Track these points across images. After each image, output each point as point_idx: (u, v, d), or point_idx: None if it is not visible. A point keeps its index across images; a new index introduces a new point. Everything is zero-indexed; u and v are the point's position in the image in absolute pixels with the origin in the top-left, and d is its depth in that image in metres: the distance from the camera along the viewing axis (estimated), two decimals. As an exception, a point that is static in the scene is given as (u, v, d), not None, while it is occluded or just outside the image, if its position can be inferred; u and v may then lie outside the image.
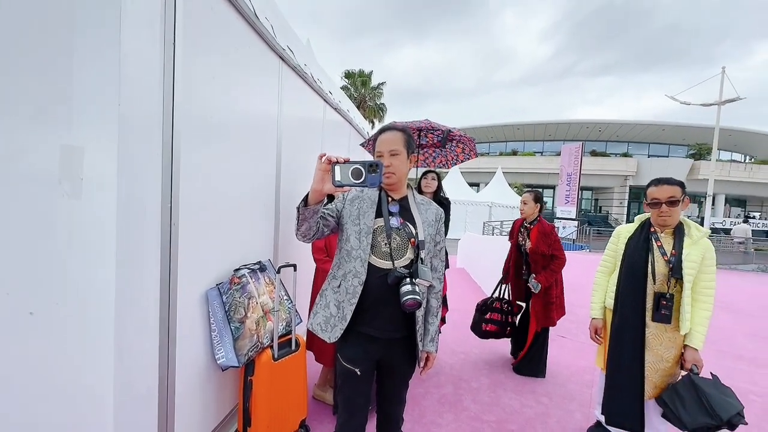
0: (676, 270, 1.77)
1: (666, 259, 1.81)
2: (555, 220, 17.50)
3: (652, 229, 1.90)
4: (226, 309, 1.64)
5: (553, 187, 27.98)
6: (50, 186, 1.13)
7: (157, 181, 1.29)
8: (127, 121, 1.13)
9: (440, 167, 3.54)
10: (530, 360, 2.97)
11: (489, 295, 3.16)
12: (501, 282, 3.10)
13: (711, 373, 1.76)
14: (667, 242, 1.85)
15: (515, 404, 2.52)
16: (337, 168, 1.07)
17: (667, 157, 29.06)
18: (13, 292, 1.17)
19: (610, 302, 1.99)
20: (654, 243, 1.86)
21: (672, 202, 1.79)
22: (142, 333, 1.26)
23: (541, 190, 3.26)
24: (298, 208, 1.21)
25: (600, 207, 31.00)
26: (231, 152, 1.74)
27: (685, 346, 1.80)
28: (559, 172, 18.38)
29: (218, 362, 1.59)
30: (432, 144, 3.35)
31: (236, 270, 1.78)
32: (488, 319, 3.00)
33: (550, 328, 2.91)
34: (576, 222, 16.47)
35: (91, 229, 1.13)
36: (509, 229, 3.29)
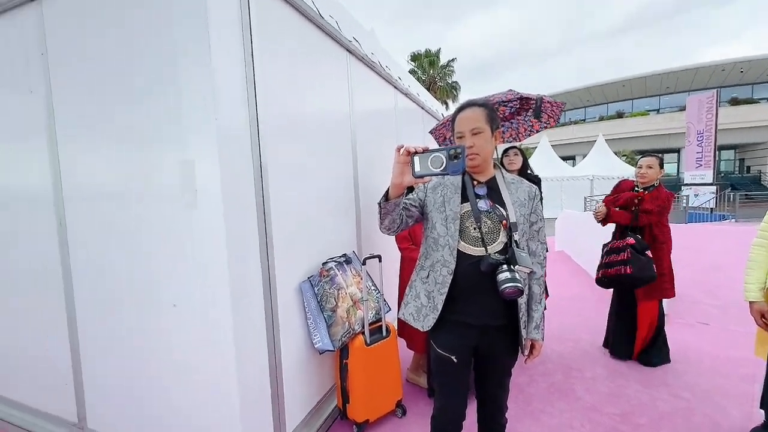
0: None
1: None
2: (683, 188, 14.51)
3: None
4: (318, 299, 1.76)
5: (677, 150, 23.18)
6: (177, 199, 1.35)
7: (251, 185, 1.44)
8: (224, 132, 1.28)
9: (510, 141, 3.19)
10: (654, 346, 2.55)
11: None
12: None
13: None
14: None
15: (643, 397, 2.19)
16: (416, 158, 1.03)
17: None
18: (161, 289, 1.45)
19: None
20: None
21: None
22: (252, 321, 1.44)
23: (660, 155, 2.69)
24: (379, 204, 1.21)
25: (747, 167, 24.61)
26: (309, 151, 1.85)
27: None
28: (685, 131, 15.15)
29: (315, 346, 1.73)
30: (502, 117, 3.03)
31: (324, 263, 1.89)
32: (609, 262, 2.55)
33: (681, 315, 2.42)
34: (714, 187, 13.37)
35: (207, 234, 1.32)
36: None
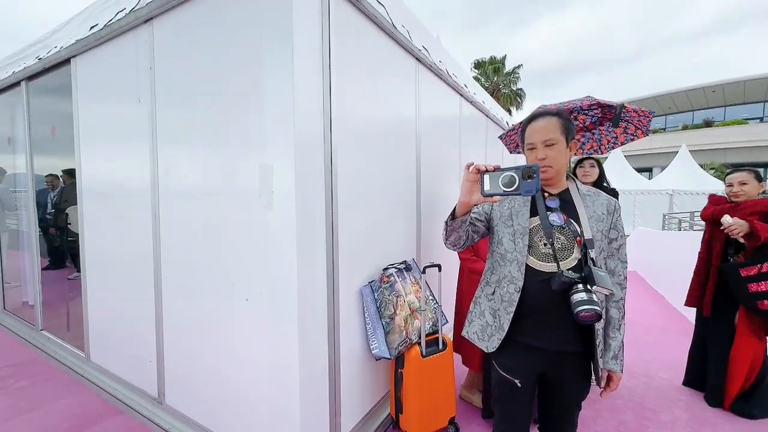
0: None
1: None
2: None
3: None
4: (378, 305, 1.77)
5: (780, 164, 19.87)
6: (254, 199, 1.45)
7: (321, 190, 1.49)
8: (301, 139, 1.35)
9: (590, 153, 2.92)
10: (754, 394, 2.18)
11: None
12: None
13: None
14: None
15: (737, 456, 1.88)
16: (486, 177, 0.98)
17: None
18: (237, 283, 1.56)
19: None
20: None
21: None
22: (315, 321, 1.48)
23: (756, 169, 2.25)
24: (446, 222, 1.18)
25: None
26: (376, 158, 1.88)
27: None
28: (792, 140, 12.94)
29: (372, 352, 1.73)
30: (582, 128, 2.81)
31: (385, 269, 1.90)
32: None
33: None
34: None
35: (280, 235, 1.39)
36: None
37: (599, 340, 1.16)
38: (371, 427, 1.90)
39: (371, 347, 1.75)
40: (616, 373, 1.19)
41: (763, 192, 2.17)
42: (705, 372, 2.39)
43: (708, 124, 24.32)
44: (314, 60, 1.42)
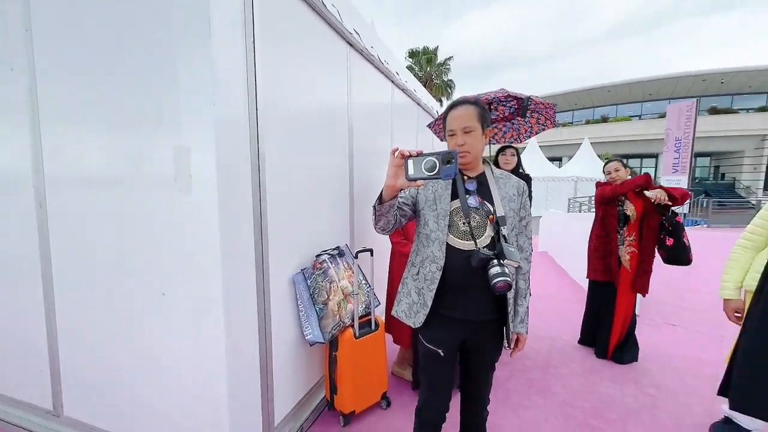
0: None
1: None
2: (659, 193, 15.03)
3: None
4: (311, 292, 1.77)
5: (656, 156, 23.97)
6: (169, 184, 1.32)
7: (247, 174, 1.42)
8: (222, 121, 1.26)
9: (511, 142, 3.24)
10: (625, 345, 2.69)
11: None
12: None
13: None
14: None
15: (614, 393, 2.30)
16: (410, 162, 1.04)
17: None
18: (150, 276, 1.42)
19: (752, 284, 1.64)
20: None
21: None
22: (244, 310, 1.43)
23: (622, 159, 2.83)
24: (374, 207, 1.22)
25: (722, 174, 25.66)
26: (307, 142, 1.83)
27: None
28: (664, 137, 15.67)
29: (306, 338, 1.74)
30: (502, 118, 3.08)
31: (317, 255, 1.90)
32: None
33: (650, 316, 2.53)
34: (690, 193, 13.91)
35: (201, 222, 1.30)
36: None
37: (510, 307, 1.30)
38: (306, 411, 1.92)
39: (305, 333, 1.75)
40: (523, 335, 1.35)
41: (630, 174, 2.72)
42: (595, 331, 2.85)
43: (604, 119, 28.17)
44: (236, 31, 1.32)
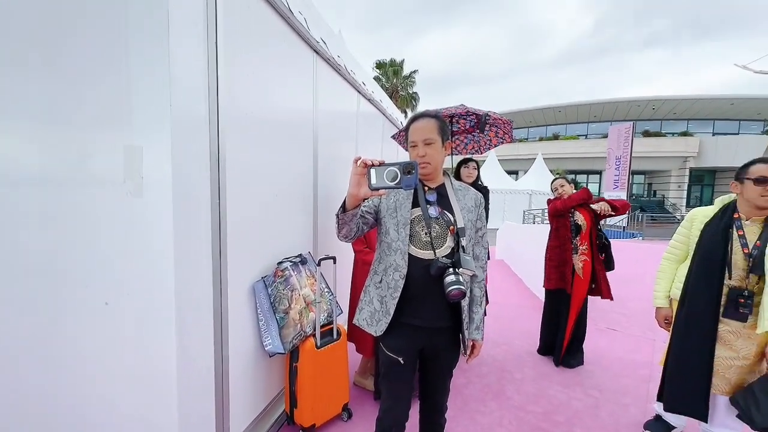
0: (757, 266, 1.56)
1: (746, 251, 1.60)
2: (602, 207, 16.37)
3: (736, 215, 1.67)
4: (272, 300, 1.71)
5: (600, 172, 26.16)
6: (117, 186, 1.23)
7: (206, 178, 1.36)
8: (179, 120, 1.20)
9: (472, 153, 3.41)
10: (576, 349, 2.87)
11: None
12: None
13: None
14: (752, 232, 1.63)
15: (562, 396, 2.44)
16: (372, 171, 1.06)
17: (737, 134, 25.90)
18: (91, 285, 1.30)
19: (676, 292, 1.83)
20: (735, 232, 1.65)
21: None
22: (199, 321, 1.35)
23: (567, 175, 3.22)
24: (337, 215, 1.22)
25: (654, 191, 28.56)
26: (270, 148, 1.79)
27: None
28: (606, 155, 17.15)
29: (266, 349, 1.68)
30: (464, 130, 3.23)
31: (279, 263, 1.85)
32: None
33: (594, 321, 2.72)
34: (626, 208, 15.30)
35: (152, 226, 1.22)
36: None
37: (465, 314, 1.34)
38: (264, 427, 1.84)
39: (264, 343, 1.69)
40: (478, 342, 1.40)
41: (574, 188, 2.98)
42: (554, 340, 2.97)
43: (556, 137, 30.36)
44: (195, 26, 1.27)
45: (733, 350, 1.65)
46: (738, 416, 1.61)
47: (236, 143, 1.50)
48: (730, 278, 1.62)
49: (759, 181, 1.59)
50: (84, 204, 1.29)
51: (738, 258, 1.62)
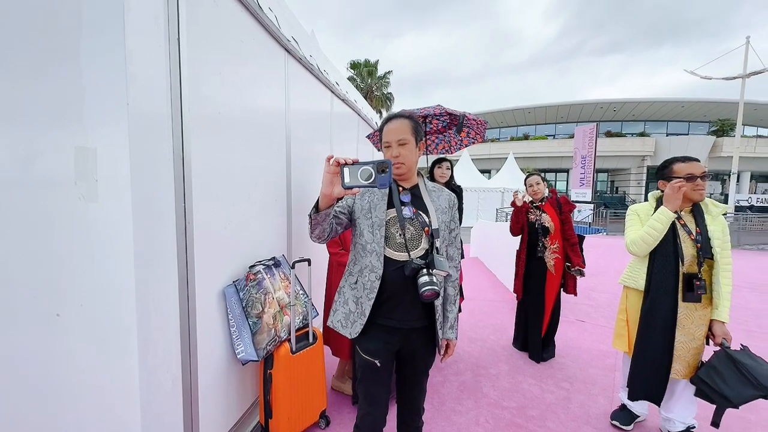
0: (705, 249, 1.75)
1: (692, 238, 1.78)
2: (569, 205, 17.11)
3: None
4: (244, 305, 1.65)
5: (567, 171, 27.37)
6: (67, 189, 1.15)
7: (170, 180, 1.29)
8: (137, 120, 1.13)
9: (443, 153, 3.45)
10: (549, 342, 2.98)
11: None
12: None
13: (741, 344, 1.74)
14: (688, 221, 1.83)
15: (535, 390, 2.51)
16: (346, 170, 1.04)
17: (687, 135, 27.89)
18: (39, 295, 1.20)
19: (641, 284, 1.93)
20: (677, 222, 1.82)
21: (704, 177, 1.78)
22: (163, 331, 1.28)
23: (541, 173, 3.35)
24: (310, 215, 1.20)
25: (617, 188, 30.20)
26: (240, 148, 1.73)
27: (711, 321, 1.79)
28: (573, 155, 17.92)
29: (238, 357, 1.62)
30: (436, 130, 3.27)
31: (251, 266, 1.79)
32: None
33: (564, 314, 2.84)
34: (592, 205, 16.07)
35: (109, 231, 1.14)
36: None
37: (439, 314, 1.35)
38: (237, 438, 1.77)
39: (236, 351, 1.62)
40: (452, 341, 1.40)
41: (546, 187, 3.04)
42: (526, 336, 3.05)
43: (526, 137, 31.40)
44: (156, 21, 1.20)
45: (689, 333, 1.80)
46: (698, 394, 1.73)
47: (204, 143, 1.44)
48: (683, 264, 1.77)
49: (690, 178, 1.78)
50: (29, 208, 1.19)
51: (687, 245, 1.79)
